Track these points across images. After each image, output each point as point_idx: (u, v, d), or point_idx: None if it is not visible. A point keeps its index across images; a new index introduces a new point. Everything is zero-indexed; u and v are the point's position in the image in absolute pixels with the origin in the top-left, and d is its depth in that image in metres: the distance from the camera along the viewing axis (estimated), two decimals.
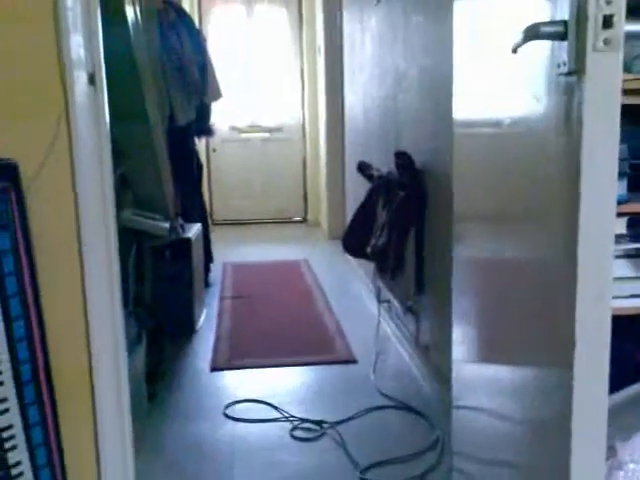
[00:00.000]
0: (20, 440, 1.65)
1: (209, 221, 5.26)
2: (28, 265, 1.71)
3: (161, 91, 3.89)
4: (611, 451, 1.45)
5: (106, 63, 1.93)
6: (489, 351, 1.66)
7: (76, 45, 1.77)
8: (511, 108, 1.40)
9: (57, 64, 1.76)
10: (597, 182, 1.05)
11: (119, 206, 2.07)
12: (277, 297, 4.35)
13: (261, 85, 6.94)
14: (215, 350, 3.34)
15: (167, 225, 3.42)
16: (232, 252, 5.58)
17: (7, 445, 1.63)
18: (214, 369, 3.11)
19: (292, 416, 2.59)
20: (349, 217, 5.00)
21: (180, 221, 3.72)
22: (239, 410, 2.67)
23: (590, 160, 1.04)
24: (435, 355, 2.81)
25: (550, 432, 1.23)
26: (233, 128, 7.00)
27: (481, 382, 1.74)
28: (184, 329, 3.56)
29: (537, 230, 1.28)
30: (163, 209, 3.69)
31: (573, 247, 1.07)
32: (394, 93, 3.43)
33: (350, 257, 4.69)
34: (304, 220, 7.19)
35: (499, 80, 1.48)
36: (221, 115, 6.95)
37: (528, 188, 1.31)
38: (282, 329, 3.69)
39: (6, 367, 1.63)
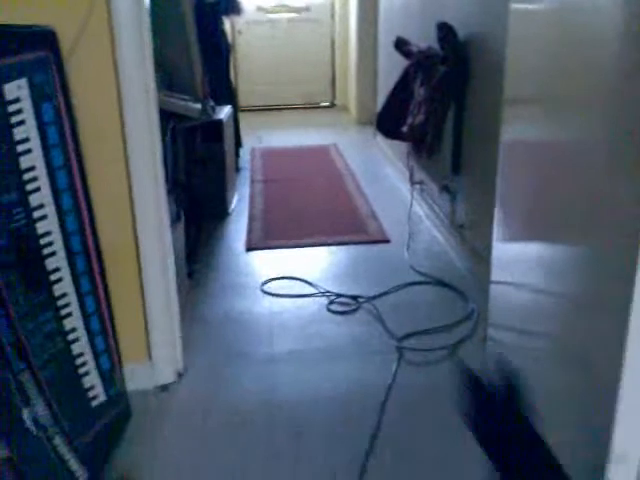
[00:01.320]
0: (74, 308, 1.72)
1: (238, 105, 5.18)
2: (72, 138, 1.71)
3: None
4: None
5: None
6: (540, 230, 1.65)
7: None
8: None
9: None
10: None
11: None
12: (307, 181, 4.35)
13: None
14: (249, 231, 3.38)
15: (199, 106, 3.38)
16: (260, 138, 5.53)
17: (63, 312, 1.69)
18: (249, 249, 3.16)
19: (327, 291, 2.65)
20: (380, 101, 4.89)
21: (211, 102, 3.67)
22: (275, 287, 2.74)
23: None
24: (470, 234, 2.82)
25: (605, 308, 1.24)
26: (259, 8, 6.74)
27: (525, 259, 1.75)
28: (218, 211, 3.60)
29: (600, 111, 1.23)
30: (193, 90, 3.63)
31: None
32: None
33: (382, 141, 4.63)
34: (332, 105, 7.04)
35: None
36: None
37: (599, 67, 1.25)
38: (314, 211, 3.71)
39: (57, 238, 1.67)
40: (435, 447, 1.77)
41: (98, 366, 1.77)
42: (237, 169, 4.46)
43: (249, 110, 6.77)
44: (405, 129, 3.15)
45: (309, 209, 3.75)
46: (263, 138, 5.52)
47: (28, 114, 1.55)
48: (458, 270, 2.82)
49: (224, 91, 4.35)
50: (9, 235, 1.51)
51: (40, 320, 1.61)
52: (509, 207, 1.89)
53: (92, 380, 1.77)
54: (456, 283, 2.67)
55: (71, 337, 1.71)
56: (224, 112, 3.72)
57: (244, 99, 6.88)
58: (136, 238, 1.94)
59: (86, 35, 1.74)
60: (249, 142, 5.10)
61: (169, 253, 2.03)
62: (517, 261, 1.83)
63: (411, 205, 3.49)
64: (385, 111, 3.53)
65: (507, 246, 1.93)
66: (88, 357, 1.75)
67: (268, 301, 2.63)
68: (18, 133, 1.52)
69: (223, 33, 4.45)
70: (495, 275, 2.01)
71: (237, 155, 4.59)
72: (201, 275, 2.85)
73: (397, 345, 2.23)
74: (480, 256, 2.59)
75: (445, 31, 2.83)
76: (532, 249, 1.73)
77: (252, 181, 4.31)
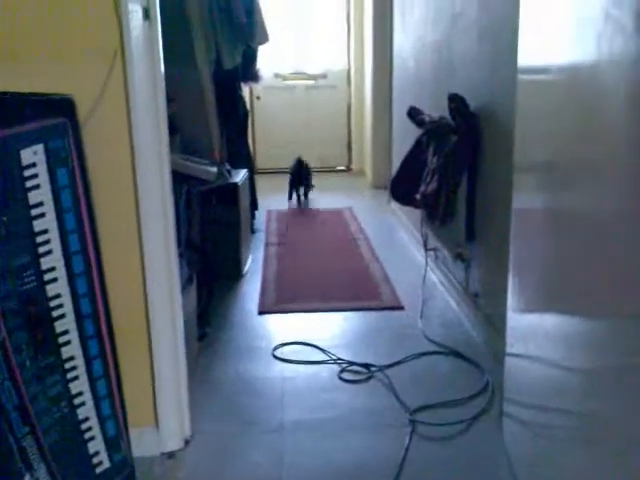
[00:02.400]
0: (81, 372, 1.70)
1: (254, 168, 5.25)
2: (85, 201, 1.72)
3: (208, 34, 3.85)
4: None
5: None
6: (554, 300, 1.62)
7: None
8: (590, 51, 1.33)
9: None
10: None
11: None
12: (322, 244, 4.36)
13: (306, 31, 6.82)
14: (262, 293, 3.37)
15: (215, 170, 3.43)
16: (275, 200, 5.57)
17: (69, 376, 1.67)
18: (262, 312, 3.14)
19: (340, 359, 2.61)
20: (395, 166, 4.93)
21: (227, 166, 3.72)
22: (287, 352, 2.70)
23: None
24: (485, 303, 2.79)
25: (629, 385, 1.19)
26: (277, 75, 6.91)
27: (541, 331, 1.71)
28: (232, 273, 3.60)
29: (615, 179, 1.22)
30: (210, 153, 3.70)
31: None
32: (449, 34, 3.32)
33: (396, 206, 4.64)
34: (348, 169, 7.13)
35: (577, 18, 1.40)
36: (265, 62, 6.88)
37: (608, 138, 1.25)
38: (327, 275, 3.70)
39: (67, 301, 1.66)
40: None
41: (103, 431, 1.73)
42: (252, 231, 4.49)
43: (266, 173, 6.87)
44: (418, 197, 3.16)
45: (323, 273, 3.74)
46: (280, 200, 5.57)
47: (43, 179, 1.57)
48: (473, 339, 2.77)
49: (241, 155, 4.42)
50: (19, 298, 1.51)
51: (46, 383, 1.59)
52: (523, 276, 1.87)
53: (97, 446, 1.73)
54: (471, 353, 2.61)
55: (77, 401, 1.68)
56: (240, 176, 3.77)
57: (261, 162, 7.00)
58: (146, 302, 1.93)
59: (103, 102, 1.78)
60: (264, 204, 5.13)
61: (179, 317, 2.02)
62: (533, 332, 1.79)
63: (425, 271, 3.47)
64: (398, 178, 3.56)
65: (522, 316, 1.89)
66: (93, 422, 1.72)
67: (279, 367, 2.58)
68: (32, 197, 1.53)
69: (241, 98, 4.55)
70: (510, 347, 1.97)
71: (252, 217, 4.62)
72: (212, 338, 2.83)
73: (410, 418, 2.16)
74: (495, 326, 2.55)
75: (456, 102, 2.87)
76: (548, 320, 1.69)
77: (267, 244, 4.33)
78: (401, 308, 3.15)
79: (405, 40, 4.73)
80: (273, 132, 7.01)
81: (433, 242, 3.53)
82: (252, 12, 4.16)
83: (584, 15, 1.35)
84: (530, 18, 1.74)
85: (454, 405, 2.25)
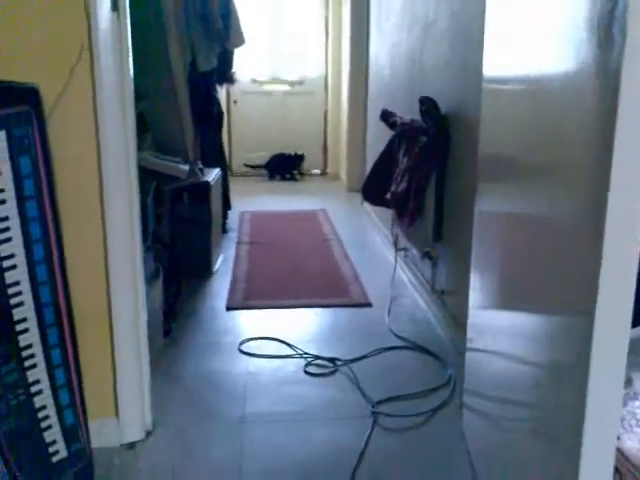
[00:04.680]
0: (40, 360, 1.69)
1: (228, 170, 5.26)
2: (48, 190, 1.72)
3: (183, 37, 3.86)
4: (628, 382, 1.46)
5: (130, 5, 1.92)
6: (508, 298, 1.66)
7: None
8: (544, 61, 1.37)
9: None
10: (632, 137, 1.00)
11: (138, 147, 2.08)
12: (294, 244, 4.37)
13: (284, 37, 6.85)
14: (231, 291, 3.37)
15: (186, 167, 3.43)
16: (250, 202, 5.58)
17: (27, 364, 1.66)
18: (230, 308, 3.15)
19: (306, 353, 2.62)
20: (369, 169, 4.97)
21: (199, 165, 3.73)
22: (254, 346, 2.71)
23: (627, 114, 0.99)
24: (450, 300, 2.82)
25: (567, 373, 1.23)
26: (254, 80, 6.93)
27: (497, 326, 1.75)
28: (202, 271, 3.60)
29: (565, 185, 1.25)
30: (182, 152, 3.70)
31: (602, 204, 1.03)
32: (422, 42, 3.37)
33: (369, 208, 4.68)
34: (323, 173, 7.16)
35: (533, 31, 1.44)
36: (242, 67, 6.91)
37: (557, 143, 1.28)
38: (298, 274, 3.72)
39: (26, 288, 1.66)
40: None
41: (61, 420, 1.73)
42: (224, 230, 4.49)
43: (242, 176, 6.88)
44: (388, 196, 3.20)
45: (293, 272, 3.76)
46: (255, 202, 5.59)
47: (5, 166, 1.58)
48: (438, 336, 2.81)
49: (215, 155, 4.42)
50: None
51: (2, 371, 1.59)
52: (482, 275, 1.91)
53: (54, 435, 1.72)
54: (436, 349, 2.65)
55: (34, 389, 1.68)
56: (213, 174, 3.78)
57: (237, 166, 7.01)
58: (108, 291, 1.93)
59: (69, 93, 1.79)
60: (238, 206, 5.14)
61: (142, 308, 2.02)
62: (490, 328, 1.83)
63: (395, 270, 3.50)
64: (371, 179, 3.59)
65: (481, 312, 1.93)
66: (51, 411, 1.72)
67: (245, 361, 2.59)
68: None
69: (216, 100, 4.55)
70: (470, 342, 2.01)
71: (225, 217, 4.63)
72: (178, 334, 2.83)
73: (372, 410, 2.19)
74: (459, 322, 2.58)
75: (427, 104, 2.92)
76: (503, 316, 1.73)
77: (238, 242, 4.34)
78: (369, 305, 3.18)
79: (381, 47, 4.78)
80: (249, 136, 7.02)
81: (403, 242, 3.56)
82: (228, 15, 4.18)
83: (540, 28, 1.40)
84: (493, 30, 1.79)
85: (416, 397, 2.28)
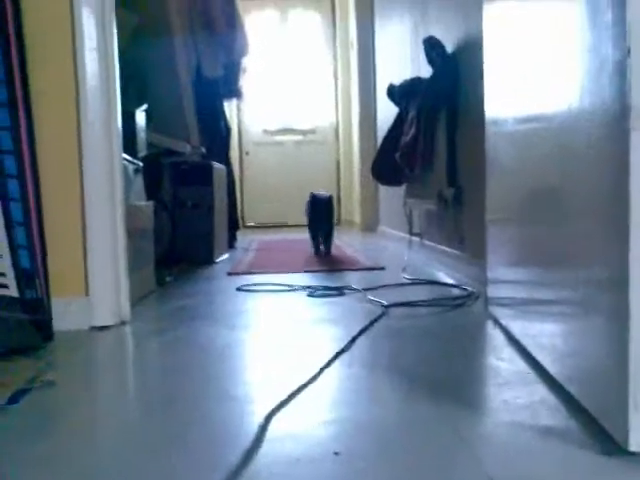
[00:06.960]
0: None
1: (235, 185, 5.05)
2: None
3: (188, 41, 3.86)
4: None
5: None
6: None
7: None
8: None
9: None
10: None
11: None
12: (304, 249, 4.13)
13: (294, 88, 6.95)
14: (235, 265, 3.13)
15: (188, 145, 3.32)
16: (261, 238, 5.39)
17: None
18: (231, 273, 2.89)
19: (309, 286, 2.35)
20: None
21: (203, 150, 3.60)
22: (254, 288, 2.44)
23: None
24: (469, 246, 2.56)
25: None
26: (266, 131, 6.97)
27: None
28: (203, 256, 3.36)
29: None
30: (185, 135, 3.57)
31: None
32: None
33: (383, 227, 4.48)
34: (337, 222, 7.01)
35: (538, 68, 1.33)
36: (253, 118, 6.97)
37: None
38: (305, 254, 3.45)
39: None
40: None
41: (14, 258, 1.49)
42: (231, 246, 4.28)
43: (255, 227, 6.75)
44: (398, 154, 3.02)
45: (301, 254, 3.49)
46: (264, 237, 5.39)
47: None
48: (458, 280, 2.52)
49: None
50: None
51: None
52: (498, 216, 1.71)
53: (2, 267, 1.48)
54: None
55: None
56: (216, 165, 3.63)
57: (250, 217, 6.90)
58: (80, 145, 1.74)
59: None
60: (247, 239, 4.95)
61: (119, 180, 1.81)
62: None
63: (410, 242, 3.25)
64: (380, 156, 3.45)
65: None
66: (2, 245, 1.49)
67: (243, 296, 2.31)
68: None
69: (223, 114, 4.49)
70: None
71: (233, 238, 4.43)
72: (174, 285, 2.57)
73: (384, 311, 1.89)
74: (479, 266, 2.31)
75: (431, 42, 2.80)
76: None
77: (244, 249, 4.13)
78: (382, 268, 2.91)
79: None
80: (262, 187, 6.96)
81: (417, 218, 3.34)
82: (234, 23, 4.21)
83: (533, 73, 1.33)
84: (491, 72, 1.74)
85: (432, 304, 1.99)
